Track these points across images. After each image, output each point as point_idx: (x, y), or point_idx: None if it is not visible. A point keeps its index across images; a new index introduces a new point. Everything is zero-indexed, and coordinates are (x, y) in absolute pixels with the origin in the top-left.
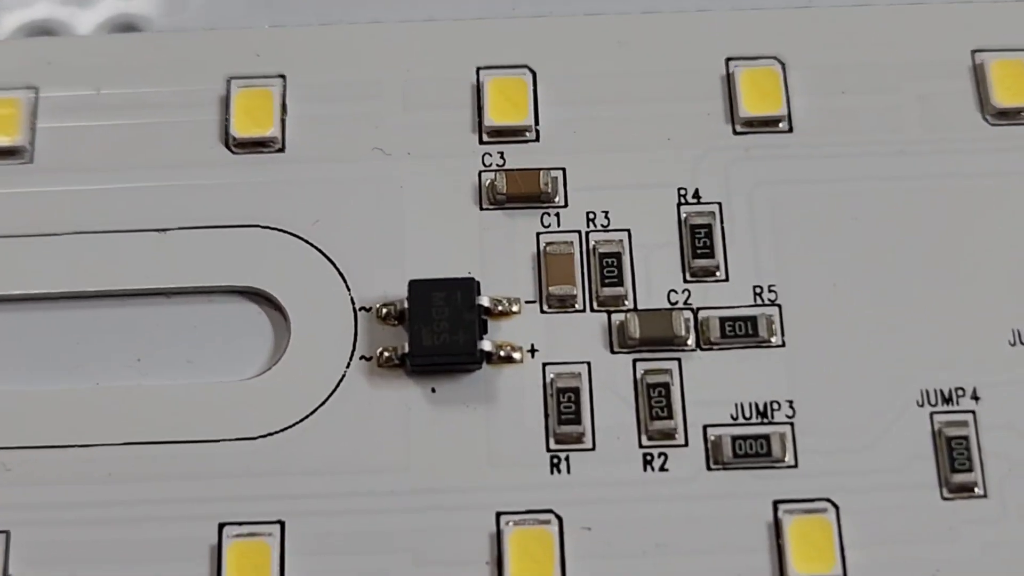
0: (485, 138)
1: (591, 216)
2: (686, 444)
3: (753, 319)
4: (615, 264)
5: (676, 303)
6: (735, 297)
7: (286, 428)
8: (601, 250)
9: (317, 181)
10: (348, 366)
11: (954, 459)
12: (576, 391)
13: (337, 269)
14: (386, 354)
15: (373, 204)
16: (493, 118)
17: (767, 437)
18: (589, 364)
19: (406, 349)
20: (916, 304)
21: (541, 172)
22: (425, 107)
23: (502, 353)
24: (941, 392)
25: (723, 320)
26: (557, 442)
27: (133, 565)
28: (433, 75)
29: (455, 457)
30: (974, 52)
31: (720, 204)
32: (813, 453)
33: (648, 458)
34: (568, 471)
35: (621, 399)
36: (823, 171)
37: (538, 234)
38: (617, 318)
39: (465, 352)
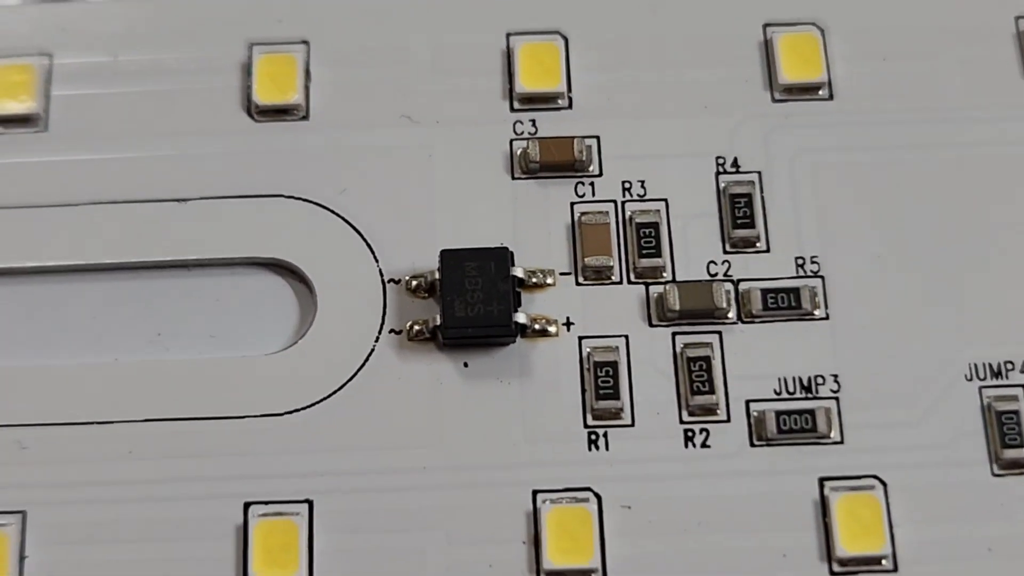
0: (516, 105)
1: (627, 186)
2: (728, 420)
3: (796, 291)
4: (653, 235)
5: (716, 275)
6: (776, 268)
7: (313, 404)
8: (638, 220)
9: (343, 149)
10: (377, 340)
11: (1005, 434)
12: (614, 365)
13: (364, 240)
14: (416, 327)
15: (401, 173)
16: (525, 84)
17: (812, 412)
18: (627, 338)
19: (437, 322)
20: (962, 275)
21: (575, 140)
22: (454, 73)
23: (537, 326)
24: (990, 366)
25: (765, 292)
26: (595, 418)
27: (155, 546)
28: (462, 40)
29: (489, 433)
30: (1018, 18)
31: (759, 173)
32: (859, 428)
33: (689, 434)
34: (607, 448)
35: (660, 373)
36: (865, 139)
37: (572, 204)
38: (655, 290)
39: (500, 324)
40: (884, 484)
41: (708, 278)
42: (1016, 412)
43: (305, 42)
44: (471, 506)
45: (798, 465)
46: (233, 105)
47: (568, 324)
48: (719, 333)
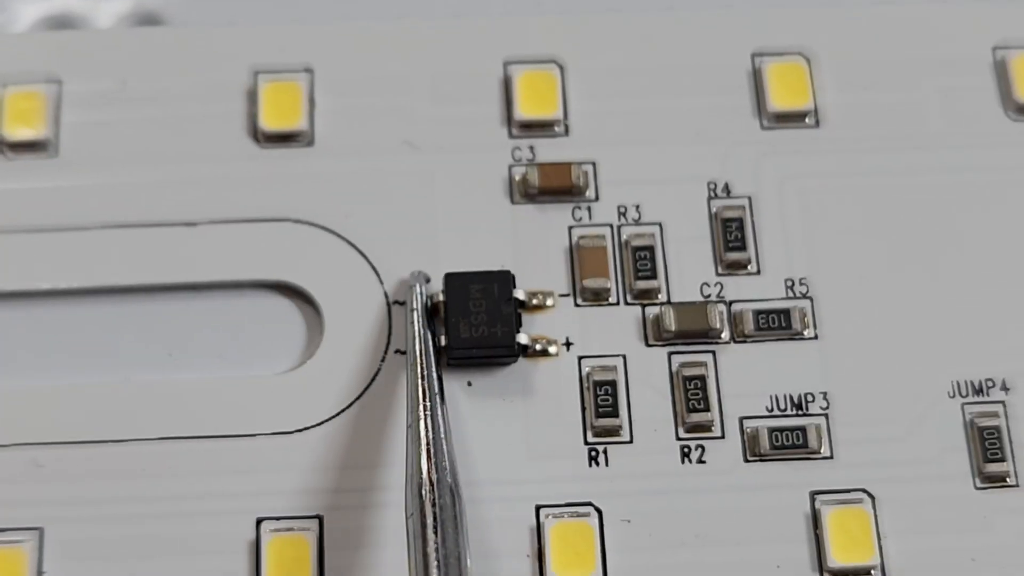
0: (515, 132)
1: (623, 210)
2: (723, 436)
3: (787, 312)
4: (648, 257)
5: (709, 296)
6: (767, 290)
7: (322, 422)
8: (634, 244)
9: (347, 175)
10: (383, 360)
11: (987, 449)
12: (613, 384)
13: (370, 263)
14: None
15: (404, 198)
16: (523, 111)
17: (803, 429)
18: (624, 357)
19: (442, 343)
20: (944, 296)
21: (573, 166)
22: (454, 101)
23: (538, 347)
24: (972, 383)
25: (757, 313)
26: (595, 435)
27: (169, 561)
28: (462, 69)
29: (493, 451)
30: (995, 48)
31: (750, 198)
32: (848, 444)
33: (686, 450)
34: (607, 464)
35: (657, 392)
36: (851, 165)
37: (570, 228)
38: (651, 311)
39: (503, 344)
40: (873, 497)
41: (702, 299)
42: (997, 428)
43: (309, 70)
44: (476, 521)
45: (790, 480)
46: (239, 131)
47: (568, 344)
48: (713, 353)
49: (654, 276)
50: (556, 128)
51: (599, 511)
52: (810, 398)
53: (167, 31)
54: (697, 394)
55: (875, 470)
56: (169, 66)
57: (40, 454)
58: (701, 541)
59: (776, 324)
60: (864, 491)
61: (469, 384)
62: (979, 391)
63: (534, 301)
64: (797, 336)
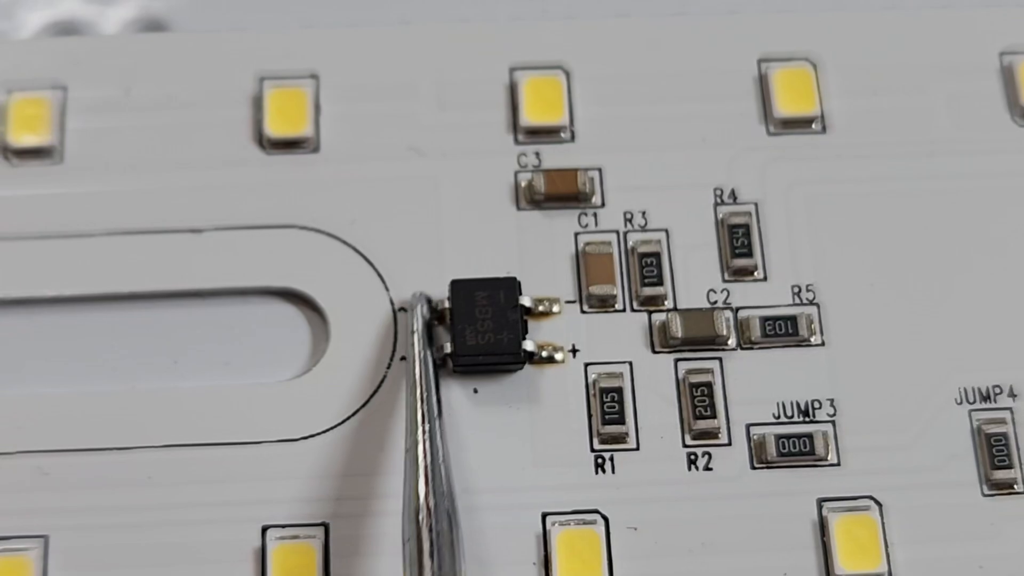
0: (521, 138)
1: (628, 216)
2: (730, 443)
3: (793, 319)
4: (654, 264)
5: (716, 303)
6: (774, 297)
7: (328, 430)
8: (640, 250)
9: (353, 181)
10: (389, 367)
11: (994, 456)
12: (619, 391)
13: (375, 269)
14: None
15: (410, 204)
16: (529, 118)
17: (810, 436)
18: (631, 364)
19: (447, 349)
20: (951, 303)
21: (579, 172)
22: (460, 107)
23: (544, 353)
24: (979, 390)
25: (763, 319)
26: (601, 442)
27: (175, 569)
28: (467, 75)
29: (499, 458)
30: (1002, 54)
31: (756, 204)
32: (856, 451)
33: (692, 457)
34: (613, 471)
35: (663, 399)
36: (857, 171)
37: (576, 234)
38: (658, 318)
39: (509, 352)
40: (880, 505)
41: (709, 306)
42: (1005, 434)
43: (315, 76)
44: (483, 528)
45: (797, 487)
46: (244, 138)
47: (574, 351)
48: (720, 359)
49: (660, 283)
50: (562, 134)
51: (605, 518)
52: (817, 405)
53: (172, 37)
54: (704, 401)
55: (882, 477)
56: (174, 72)
57: (45, 462)
58: (708, 549)
59: (783, 331)
60: (871, 498)
61: (475, 391)
62: (986, 398)
63: (540, 308)
64: (804, 343)
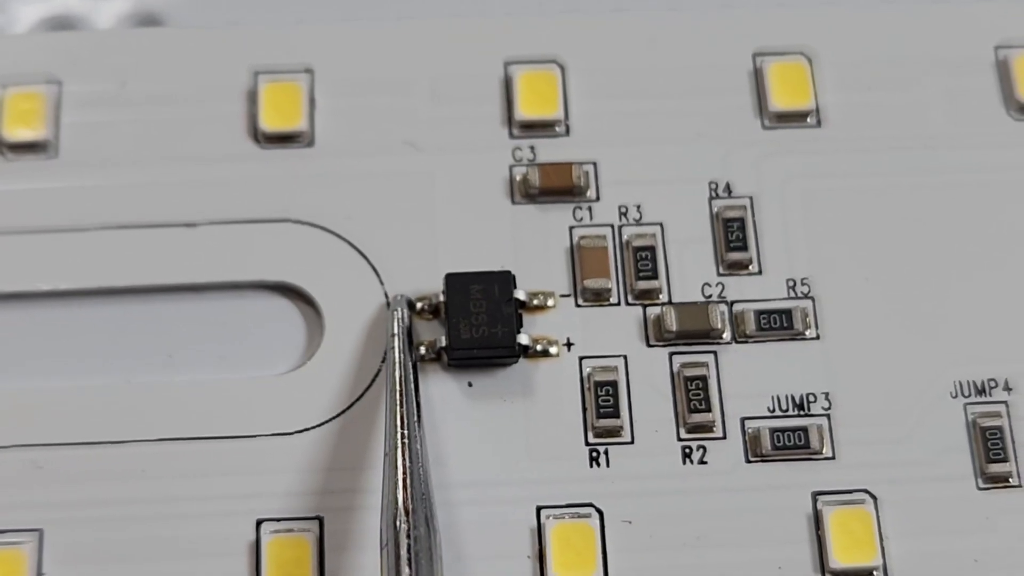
0: (515, 132)
1: (623, 210)
2: (724, 437)
3: (788, 312)
4: (649, 258)
5: (711, 296)
6: (769, 290)
7: (322, 423)
8: (635, 244)
9: (348, 176)
10: (383, 360)
11: (989, 449)
12: (614, 384)
13: (370, 263)
14: (422, 348)
15: (405, 199)
16: (524, 112)
17: (805, 429)
18: (625, 358)
19: (442, 343)
20: (947, 296)
21: (574, 166)
22: (455, 101)
23: (539, 347)
24: (974, 383)
25: (758, 313)
26: (596, 436)
27: (170, 563)
28: (462, 69)
29: (494, 451)
30: (997, 48)
31: (751, 198)
32: (850, 445)
33: (687, 451)
34: (607, 464)
35: (658, 392)
36: (852, 165)
37: (571, 228)
38: (652, 311)
39: (504, 345)
40: (875, 498)
41: (703, 300)
42: (999, 428)
43: (309, 70)
44: (477, 522)
45: (792, 480)
46: (239, 132)
47: (569, 344)
48: (714, 353)
49: (655, 276)
50: (557, 128)
51: (600, 512)
52: (812, 398)
53: (167, 32)
54: (698, 394)
55: (877, 471)
56: (169, 67)
57: (40, 455)
58: (702, 542)
59: (778, 324)
60: (866, 492)
61: (470, 385)
62: (981, 391)
63: (535, 301)
64: (799, 336)
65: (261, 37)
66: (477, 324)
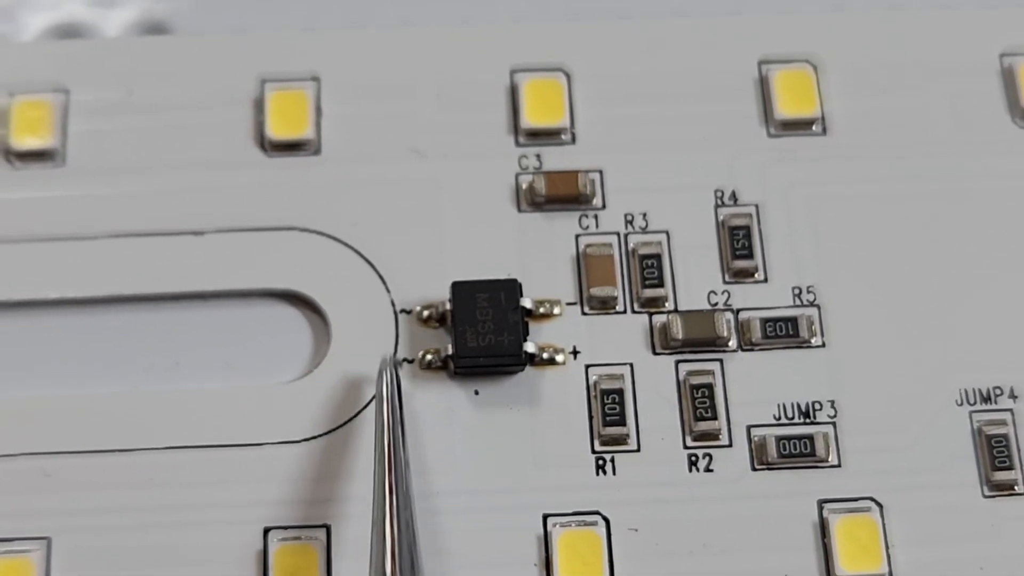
0: (521, 140)
1: (629, 218)
2: (730, 445)
3: (794, 320)
4: (655, 265)
5: (716, 304)
6: (774, 298)
7: (329, 431)
8: (641, 252)
9: (354, 183)
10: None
11: (995, 457)
12: (620, 392)
13: (376, 271)
14: (428, 357)
15: (411, 206)
16: (530, 119)
17: (811, 437)
18: (632, 366)
19: (448, 351)
20: (952, 304)
21: (580, 174)
22: (461, 109)
23: (545, 355)
24: (979, 391)
25: (764, 321)
26: (602, 443)
27: (177, 571)
28: (468, 77)
29: (500, 459)
30: (1002, 55)
31: (757, 206)
32: (856, 453)
33: (693, 459)
34: (614, 472)
35: (664, 400)
36: (858, 172)
37: (577, 236)
38: (659, 319)
39: (510, 354)
40: (881, 506)
41: (709, 308)
42: (1005, 436)
43: (316, 78)
44: (484, 530)
45: (798, 488)
46: (246, 140)
47: (575, 352)
48: (720, 361)
49: (661, 284)
50: (563, 136)
51: (606, 520)
52: (818, 406)
53: (174, 40)
54: (704, 402)
55: (883, 478)
56: (176, 75)
57: (48, 463)
58: (709, 550)
59: (783, 332)
60: (872, 500)
61: (476, 393)
62: (987, 399)
63: (541, 309)
64: (804, 344)
65: (267, 45)
66: (483, 332)
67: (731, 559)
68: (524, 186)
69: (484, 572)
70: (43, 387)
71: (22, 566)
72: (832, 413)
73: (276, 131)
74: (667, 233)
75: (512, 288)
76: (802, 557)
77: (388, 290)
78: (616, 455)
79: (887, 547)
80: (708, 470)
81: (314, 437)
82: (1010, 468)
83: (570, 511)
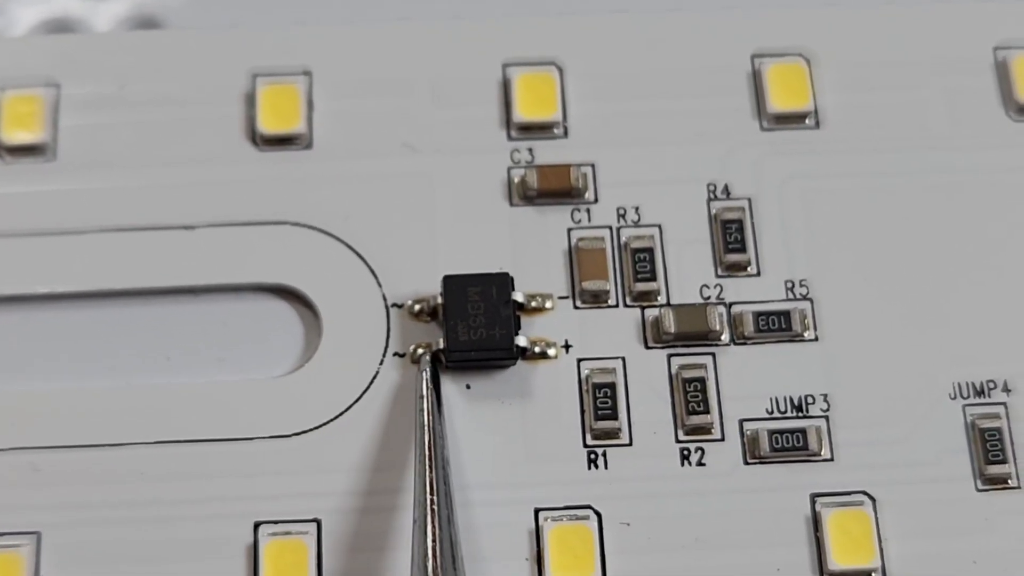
0: (514, 134)
1: (622, 212)
2: (723, 439)
3: (787, 313)
4: (647, 259)
5: (709, 298)
6: (767, 292)
7: (320, 426)
8: (633, 245)
9: (346, 178)
10: (381, 363)
11: (988, 451)
12: (612, 386)
13: (368, 266)
14: (420, 350)
15: (403, 201)
16: (522, 113)
17: (803, 431)
18: (624, 359)
19: (440, 345)
20: (946, 298)
21: (572, 168)
22: (453, 103)
23: (537, 349)
24: (973, 385)
25: (756, 315)
26: (594, 438)
27: (168, 565)
28: (460, 71)
29: (492, 453)
30: (996, 49)
31: (750, 199)
32: (849, 447)
33: (685, 453)
34: (606, 467)
35: (656, 394)
36: (851, 166)
37: (569, 230)
38: (651, 313)
39: (502, 347)
40: (873, 500)
41: (702, 301)
42: (999, 429)
43: (307, 73)
44: (475, 524)
45: (790, 482)
46: (237, 134)
47: (567, 346)
48: (713, 355)
49: (653, 278)
50: (555, 130)
51: (598, 514)
52: (810, 400)
53: (165, 34)
54: (697, 396)
55: (876, 472)
56: (167, 69)
57: (38, 458)
58: (701, 544)
59: (776, 326)
60: (865, 493)
61: (468, 387)
62: (980, 392)
63: (533, 303)
64: (797, 338)
65: (259, 39)
66: (475, 326)
67: (723, 553)
68: (516, 180)
69: (476, 566)
70: (33, 382)
71: (12, 561)
72: (825, 407)
73: (267, 125)
74: (659, 227)
75: (504, 282)
76: (795, 551)
77: (380, 284)
78: (608, 449)
79: (880, 541)
80: (700, 464)
81: (305, 431)
82: (1003, 462)
83: (562, 505)
